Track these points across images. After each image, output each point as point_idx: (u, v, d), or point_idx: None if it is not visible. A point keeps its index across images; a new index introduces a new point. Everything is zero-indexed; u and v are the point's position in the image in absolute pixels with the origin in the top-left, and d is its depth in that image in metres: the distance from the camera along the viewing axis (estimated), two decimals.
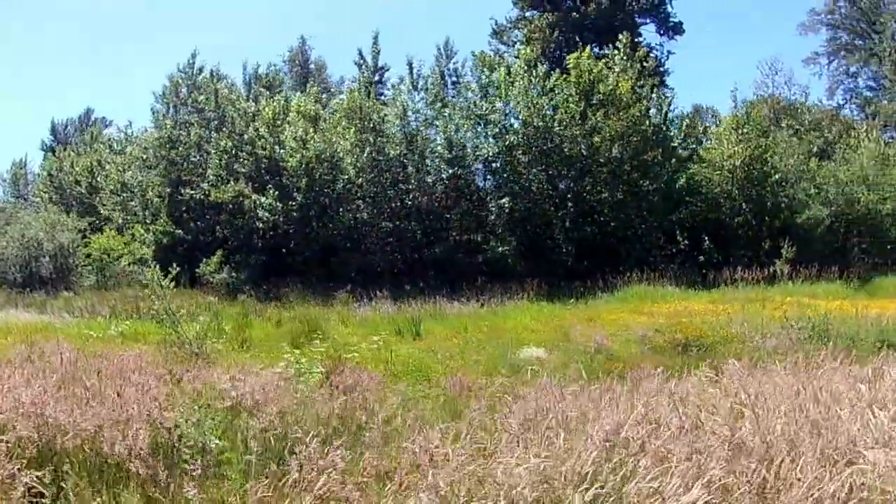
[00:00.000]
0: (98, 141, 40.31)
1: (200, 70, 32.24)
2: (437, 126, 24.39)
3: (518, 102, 24.03)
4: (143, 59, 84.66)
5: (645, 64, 26.79)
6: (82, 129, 52.03)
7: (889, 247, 24.51)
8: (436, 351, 11.45)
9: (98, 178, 34.81)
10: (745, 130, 25.08)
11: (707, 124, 33.02)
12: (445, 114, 24.75)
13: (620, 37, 26.58)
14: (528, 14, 36.05)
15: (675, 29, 34.87)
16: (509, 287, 20.26)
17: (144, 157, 31.51)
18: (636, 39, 33.33)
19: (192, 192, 27.17)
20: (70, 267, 28.10)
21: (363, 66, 30.75)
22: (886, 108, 35.09)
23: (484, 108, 24.39)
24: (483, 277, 22.12)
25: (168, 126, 29.28)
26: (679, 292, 19.42)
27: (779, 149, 25.65)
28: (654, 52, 33.32)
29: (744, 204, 24.68)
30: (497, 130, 23.93)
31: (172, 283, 24.90)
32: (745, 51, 72.32)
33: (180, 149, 28.78)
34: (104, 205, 32.47)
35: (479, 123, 24.81)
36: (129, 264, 27.60)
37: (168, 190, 28.24)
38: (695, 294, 18.99)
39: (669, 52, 35.12)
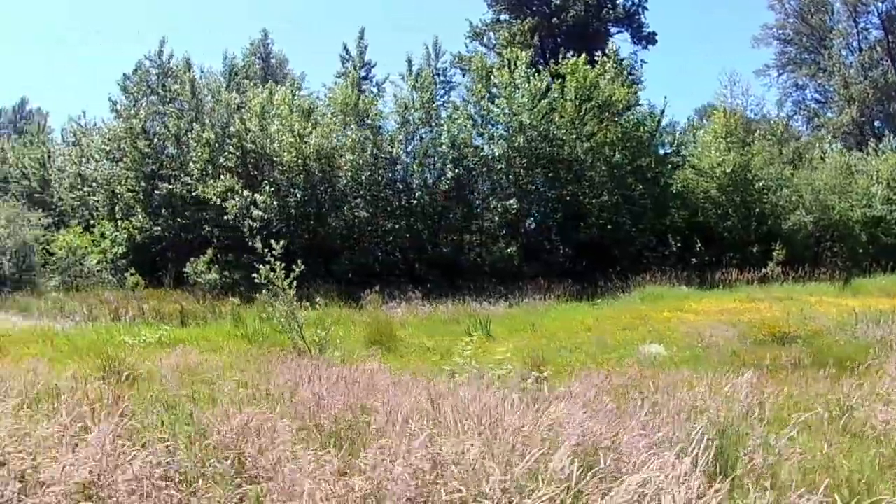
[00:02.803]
0: (43, 132, 37.57)
1: (171, 58, 30.72)
2: (441, 124, 24.11)
3: (521, 105, 24.08)
4: (83, 48, 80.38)
5: (632, 73, 27.60)
6: (16, 120, 48.41)
7: (860, 251, 26.09)
8: (532, 350, 11.25)
9: (50, 171, 32.46)
10: (730, 139, 26.20)
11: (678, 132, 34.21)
12: (447, 113, 24.62)
13: (609, 44, 27.23)
14: (502, 17, 36.41)
15: (649, 39, 35.99)
16: (520, 288, 20.31)
17: (108, 148, 29.67)
18: (605, 46, 34.38)
19: (172, 186, 25.71)
20: (31, 266, 26.04)
21: (349, 62, 30.09)
22: (834, 121, 37.48)
23: (490, 110, 24.32)
24: (490, 278, 22.07)
25: (141, 116, 27.61)
26: (694, 292, 19.93)
27: (759, 158, 26.87)
28: (629, 60, 34.24)
29: (730, 209, 25.71)
30: (502, 132, 23.88)
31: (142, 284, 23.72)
32: (709, 61, 74.66)
33: (154, 140, 27.21)
34: (62, 199, 30.28)
35: (480, 124, 24.74)
36: (97, 263, 25.87)
37: (143, 184, 26.60)
38: (712, 293, 19.53)
39: (643, 61, 36.15)
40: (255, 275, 9.98)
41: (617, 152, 24.43)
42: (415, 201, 23.50)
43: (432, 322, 15.99)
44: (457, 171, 23.40)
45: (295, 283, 9.88)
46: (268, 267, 9.76)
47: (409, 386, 5.45)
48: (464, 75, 33.65)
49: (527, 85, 24.37)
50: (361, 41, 30.64)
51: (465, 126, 24.09)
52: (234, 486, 3.28)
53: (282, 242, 10.03)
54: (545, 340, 12.58)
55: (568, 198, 24.38)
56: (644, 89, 34.75)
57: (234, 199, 23.52)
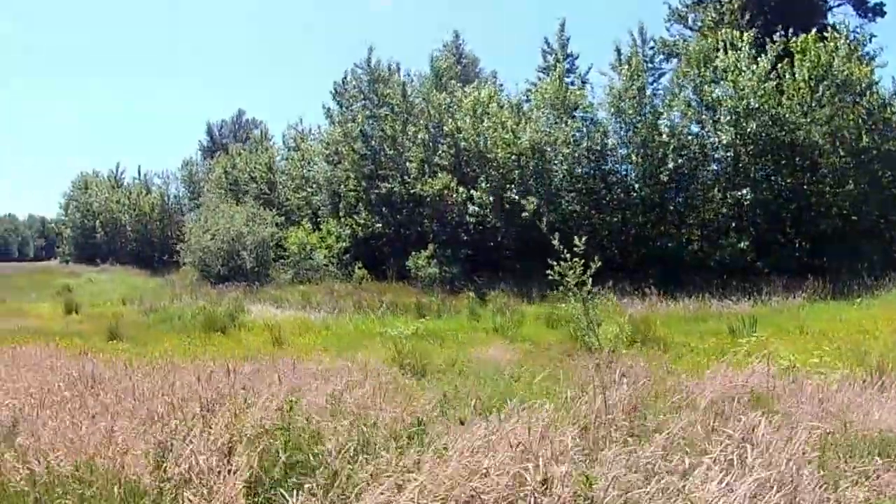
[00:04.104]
0: (266, 138, 41.36)
1: (378, 64, 32.36)
2: (661, 112, 23.26)
3: (746, 89, 22.50)
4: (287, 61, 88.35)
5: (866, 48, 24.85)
6: (235, 130, 53.95)
7: None
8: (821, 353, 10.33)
9: (275, 175, 35.63)
10: None
11: None
12: (662, 101, 23.67)
13: (829, 18, 24.66)
14: None
15: (876, 11, 32.16)
16: (754, 284, 19.00)
17: (327, 152, 31.93)
18: (823, 21, 31.29)
19: (390, 185, 27.13)
20: (267, 260, 28.64)
21: (551, 55, 29.98)
22: None
23: (710, 95, 23.01)
24: (718, 274, 20.86)
25: (359, 121, 29.41)
26: None
27: None
28: (862, 34, 30.78)
29: None
30: (729, 118, 22.45)
31: (367, 278, 24.94)
32: None
33: (373, 142, 28.83)
34: (288, 199, 33.10)
35: (699, 111, 23.48)
36: (324, 257, 27.89)
37: (363, 184, 28.33)
38: None
39: (872, 35, 32.21)
40: (548, 272, 9.98)
41: (864, 136, 22.01)
42: (634, 194, 22.83)
43: (675, 320, 15.35)
44: (678, 160, 22.39)
45: (591, 279, 9.72)
46: (566, 264, 9.68)
47: None
48: (667, 61, 32.22)
49: (754, 67, 22.75)
50: (562, 34, 30.37)
51: (686, 113, 23.00)
52: None
53: (584, 238, 9.90)
54: (826, 342, 11.53)
55: (804, 186, 22.43)
56: (885, 65, 31.03)
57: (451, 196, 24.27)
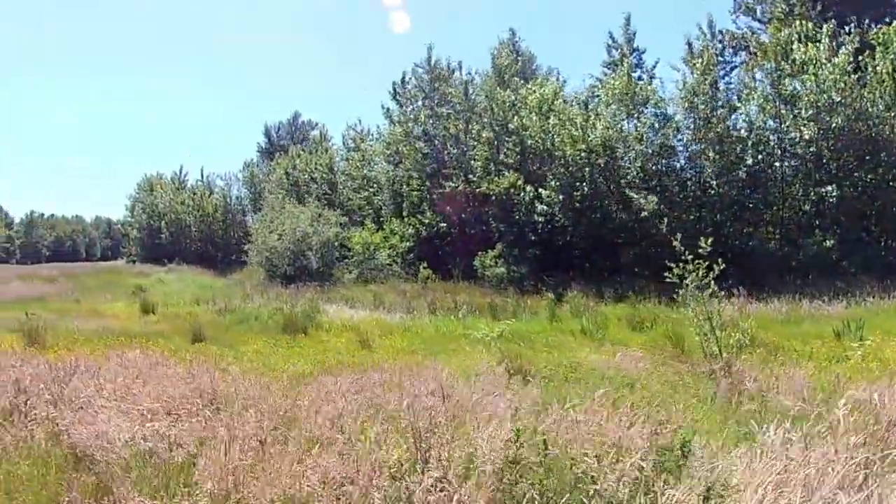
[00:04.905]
0: (325, 140, 41.75)
1: (437, 62, 32.31)
2: (738, 107, 22.60)
3: (825, 82, 21.66)
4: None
5: None
6: (293, 132, 54.67)
7: None
8: None
9: (336, 175, 35.91)
10: None
11: None
12: (740, 95, 22.98)
13: None
14: None
15: None
16: (840, 284, 18.23)
17: (388, 152, 32.01)
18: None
19: (454, 184, 27.02)
20: (331, 260, 28.83)
21: (616, 50, 29.47)
22: None
23: (788, 90, 22.21)
24: (803, 274, 20.16)
25: (421, 120, 29.41)
26: None
27: None
28: None
29: None
30: (810, 112, 21.63)
31: (433, 277, 24.83)
32: None
33: (436, 142, 28.77)
34: (349, 199, 33.29)
35: (777, 105, 22.68)
36: (388, 257, 27.95)
37: (427, 184, 28.31)
38: None
39: None
40: (666, 274, 9.65)
41: None
42: (712, 191, 22.19)
43: (769, 322, 14.76)
44: (758, 156, 21.70)
45: (713, 283, 9.34)
46: (687, 267, 9.34)
47: None
48: (735, 54, 31.39)
49: (835, 59, 21.88)
50: (628, 28, 29.83)
51: (765, 108, 22.27)
52: None
53: (709, 240, 9.55)
54: None
55: (889, 182, 21.48)
56: None
57: (519, 195, 24.01)
